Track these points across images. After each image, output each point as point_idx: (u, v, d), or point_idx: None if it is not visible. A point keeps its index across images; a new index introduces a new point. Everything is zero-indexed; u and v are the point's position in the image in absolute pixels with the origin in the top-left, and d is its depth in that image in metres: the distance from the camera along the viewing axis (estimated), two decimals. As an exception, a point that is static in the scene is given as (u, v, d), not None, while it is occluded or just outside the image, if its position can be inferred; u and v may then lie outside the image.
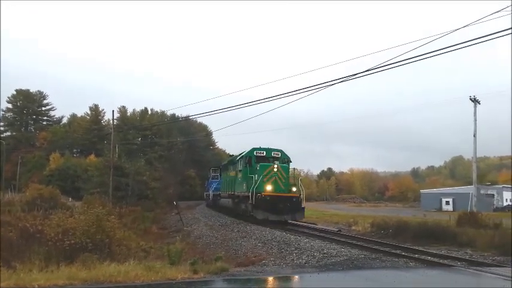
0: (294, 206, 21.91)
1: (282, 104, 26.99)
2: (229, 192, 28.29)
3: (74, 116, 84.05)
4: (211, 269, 9.63)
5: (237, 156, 27.91)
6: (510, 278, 8.36)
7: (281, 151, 24.70)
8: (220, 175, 37.25)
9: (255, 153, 24.10)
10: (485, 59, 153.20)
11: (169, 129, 73.88)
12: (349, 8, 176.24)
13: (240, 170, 25.09)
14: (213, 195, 38.44)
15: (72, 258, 10.30)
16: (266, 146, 24.96)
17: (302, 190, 22.87)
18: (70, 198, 43.06)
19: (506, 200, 75.89)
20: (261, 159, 23.63)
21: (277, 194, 21.67)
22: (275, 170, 22.25)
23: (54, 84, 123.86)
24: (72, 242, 10.95)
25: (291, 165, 24.64)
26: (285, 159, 24.37)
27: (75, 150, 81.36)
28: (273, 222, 21.38)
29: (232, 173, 28.65)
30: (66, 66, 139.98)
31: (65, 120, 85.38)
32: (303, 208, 22.66)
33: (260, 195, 21.21)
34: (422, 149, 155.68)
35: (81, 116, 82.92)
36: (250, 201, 21.68)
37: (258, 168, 22.63)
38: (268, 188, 21.59)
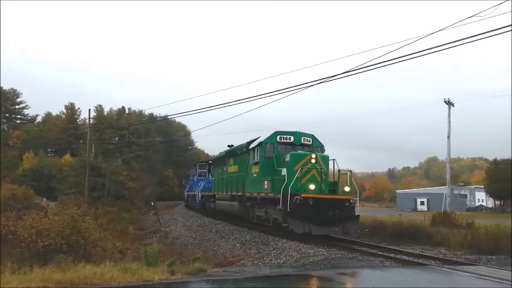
0: (345, 213, 15.59)
1: (263, 104, 26.89)
2: (233, 193, 21.86)
3: (48, 115, 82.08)
4: (189, 269, 9.61)
5: (243, 145, 21.16)
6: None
7: (312, 136, 18.69)
8: (210, 172, 31.98)
9: (278, 139, 18.13)
10: (460, 63, 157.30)
11: (147, 128, 73.18)
12: (330, 8, 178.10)
13: (255, 163, 18.68)
14: (202, 196, 32.44)
15: (46, 260, 10.11)
16: (294, 130, 18.68)
17: (357, 191, 16.76)
18: (44, 199, 42.17)
19: (479, 200, 78.15)
20: (285, 147, 18.09)
21: (323, 196, 15.66)
22: (313, 161, 15.99)
23: (28, 82, 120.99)
24: (46, 243, 10.72)
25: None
26: (318, 148, 18.46)
27: (49, 149, 79.56)
28: (317, 237, 15.32)
29: (232, 168, 23.06)
30: (41, 64, 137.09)
31: (39, 119, 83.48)
32: (358, 216, 16.30)
33: (299, 197, 14.89)
34: (398, 150, 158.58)
35: (57, 114, 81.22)
36: (280, 207, 15.44)
37: (287, 158, 16.61)
38: (312, 187, 15.30)
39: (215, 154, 31.92)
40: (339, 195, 16.16)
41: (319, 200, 15.20)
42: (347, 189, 16.35)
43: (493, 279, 9.24)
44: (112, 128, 69.82)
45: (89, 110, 41.36)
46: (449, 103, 36.42)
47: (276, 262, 12.72)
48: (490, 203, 75.60)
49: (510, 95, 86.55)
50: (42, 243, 10.71)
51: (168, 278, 8.75)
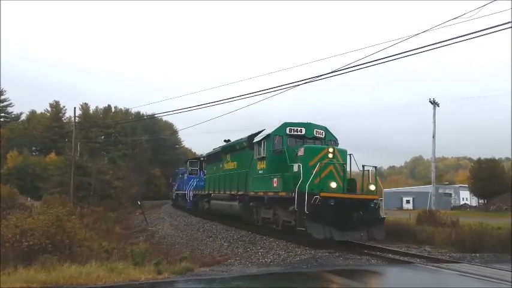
0: (370, 215, 13.68)
1: (249, 103, 26.83)
2: (232, 192, 19.88)
3: (33, 113, 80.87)
4: (176, 269, 9.58)
5: (243, 139, 19.48)
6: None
7: (325, 129, 16.76)
8: (202, 169, 30.47)
9: (287, 131, 16.06)
10: (445, 64, 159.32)
11: (133, 127, 72.63)
12: (315, 9, 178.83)
13: (261, 158, 16.59)
14: (193, 195, 29.93)
15: (30, 260, 10.02)
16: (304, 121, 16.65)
17: (382, 190, 14.93)
18: (29, 198, 41.61)
19: (463, 198, 79.34)
20: (295, 141, 16.11)
21: (347, 196, 13.80)
22: (330, 156, 14.18)
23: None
24: (31, 243, 10.62)
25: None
26: (331, 142, 16.44)
27: (34, 148, 78.45)
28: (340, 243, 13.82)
29: (230, 165, 21.26)
30: (26, 61, 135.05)
31: (23, 117, 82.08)
32: (383, 219, 14.35)
33: (318, 197, 12.96)
34: (384, 150, 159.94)
35: (41, 112, 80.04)
36: (295, 208, 13.31)
37: (300, 153, 14.77)
38: (333, 185, 13.49)
39: (203, 152, 31.06)
40: (365, 195, 14.33)
41: (342, 200, 13.27)
42: (372, 187, 14.46)
43: (477, 276, 9.39)
44: (98, 126, 69.17)
45: (74, 108, 40.77)
46: (434, 103, 36.80)
47: (263, 261, 12.75)
48: (474, 201, 76.77)
49: (493, 96, 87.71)
50: (26, 243, 10.61)
51: (154, 278, 8.71)
